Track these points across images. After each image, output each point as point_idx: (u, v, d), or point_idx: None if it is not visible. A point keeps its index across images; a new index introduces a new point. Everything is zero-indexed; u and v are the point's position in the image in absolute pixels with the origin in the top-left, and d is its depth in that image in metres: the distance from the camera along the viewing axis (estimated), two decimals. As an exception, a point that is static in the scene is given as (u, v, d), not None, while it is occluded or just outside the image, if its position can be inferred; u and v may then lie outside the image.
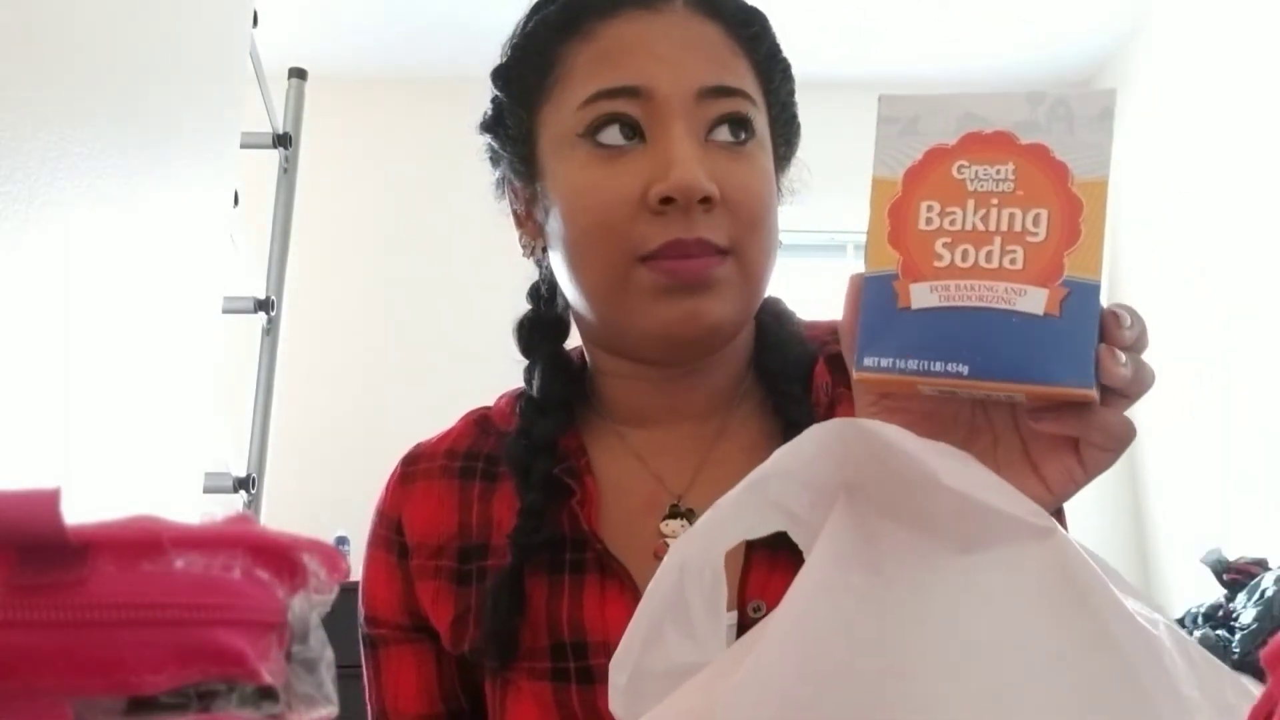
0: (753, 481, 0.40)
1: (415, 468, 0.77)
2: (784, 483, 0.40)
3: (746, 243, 0.67)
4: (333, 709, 0.28)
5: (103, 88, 1.20)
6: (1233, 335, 3.07)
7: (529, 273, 0.80)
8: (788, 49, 0.75)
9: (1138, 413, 0.48)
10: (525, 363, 0.78)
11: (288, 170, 2.23)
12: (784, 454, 0.40)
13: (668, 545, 0.70)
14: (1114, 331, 0.45)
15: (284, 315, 2.15)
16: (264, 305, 2.09)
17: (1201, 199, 3.23)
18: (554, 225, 0.69)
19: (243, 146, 1.82)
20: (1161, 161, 3.45)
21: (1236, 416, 3.05)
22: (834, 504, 0.38)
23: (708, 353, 0.71)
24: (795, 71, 0.75)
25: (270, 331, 2.12)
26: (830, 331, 0.75)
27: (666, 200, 0.64)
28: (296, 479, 2.76)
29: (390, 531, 0.75)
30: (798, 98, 0.76)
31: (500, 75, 0.74)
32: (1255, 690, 0.35)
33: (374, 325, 3.48)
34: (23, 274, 1.03)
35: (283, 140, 2.20)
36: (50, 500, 0.24)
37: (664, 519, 0.71)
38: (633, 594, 0.68)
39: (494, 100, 0.75)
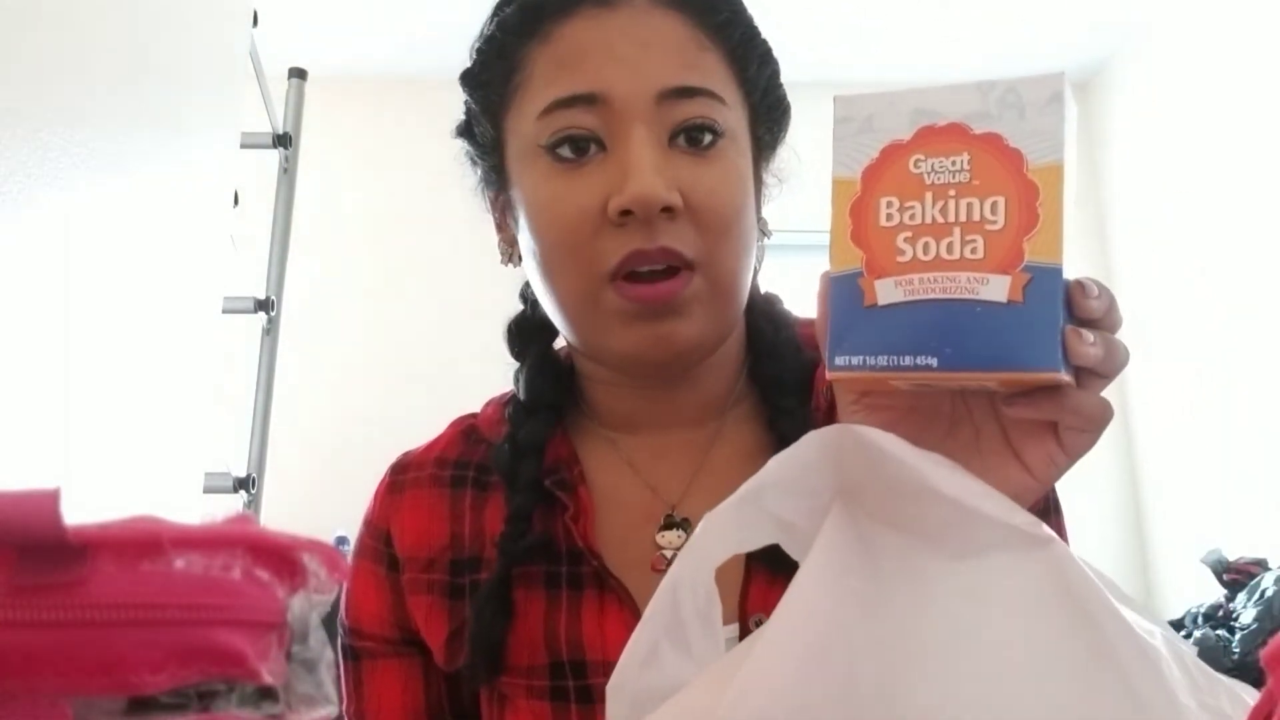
0: (746, 493, 0.40)
1: (404, 476, 0.75)
2: (779, 492, 0.39)
3: (715, 252, 0.64)
4: (333, 709, 0.28)
5: (102, 87, 1.20)
6: (1233, 335, 3.07)
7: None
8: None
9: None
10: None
11: (288, 170, 2.23)
12: (779, 462, 0.40)
13: (664, 558, 0.68)
14: (1080, 302, 0.45)
15: (284, 315, 2.15)
16: (264, 305, 2.09)
17: (1201, 199, 3.23)
18: (524, 237, 0.68)
19: (243, 146, 1.81)
20: (1161, 161, 3.44)
21: (1236, 416, 3.05)
22: (829, 511, 0.37)
23: (685, 370, 0.70)
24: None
25: (270, 331, 2.12)
26: None
27: (626, 212, 0.62)
28: (296, 479, 2.77)
29: (379, 542, 0.74)
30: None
31: (466, 81, 0.72)
32: (1250, 699, 0.35)
33: (374, 325, 3.49)
34: (22, 274, 1.03)
35: (283, 140, 2.20)
36: (50, 500, 0.24)
37: (660, 530, 0.70)
38: (631, 610, 0.66)
39: (465, 106, 0.73)
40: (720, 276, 0.65)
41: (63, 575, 0.24)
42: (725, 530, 0.40)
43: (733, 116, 0.67)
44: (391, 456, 0.78)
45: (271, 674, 0.26)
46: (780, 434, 0.69)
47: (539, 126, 0.65)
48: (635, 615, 0.66)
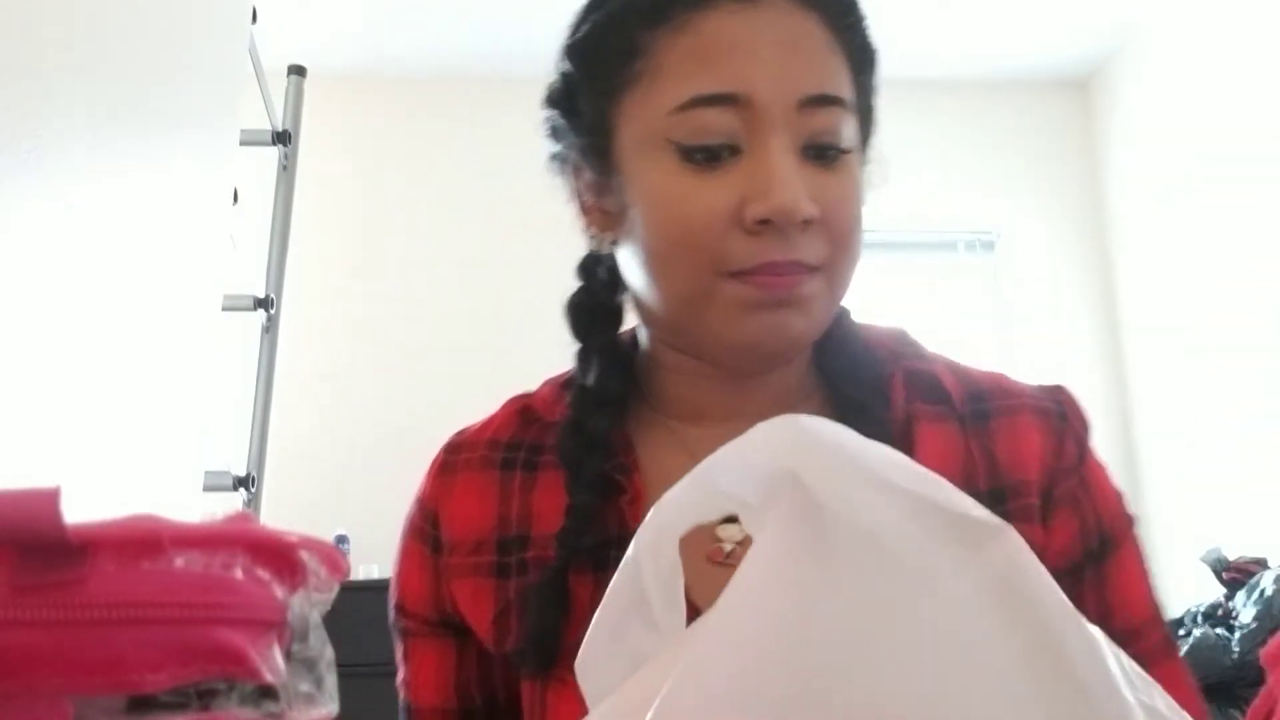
0: (698, 474, 0.40)
1: (457, 457, 0.75)
2: (729, 473, 0.39)
3: (837, 259, 0.65)
4: (333, 708, 0.28)
5: (103, 87, 1.20)
6: (1233, 334, 3.07)
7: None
8: None
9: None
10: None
11: (287, 168, 2.23)
12: (729, 449, 0.40)
13: (723, 550, 0.67)
14: None
15: (284, 313, 2.15)
16: (263, 303, 2.09)
17: (1202, 197, 3.23)
18: (635, 229, 0.66)
19: (242, 144, 1.81)
20: (1161, 160, 3.44)
21: (1237, 416, 3.05)
22: (780, 496, 0.37)
23: (785, 362, 0.70)
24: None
25: (270, 330, 2.11)
26: (898, 341, 0.74)
27: (764, 221, 0.61)
28: (296, 479, 2.77)
29: (427, 523, 0.74)
30: None
31: (576, 54, 0.69)
32: (1177, 707, 0.35)
33: (373, 324, 3.48)
34: (22, 273, 1.03)
35: (282, 138, 2.20)
36: (50, 500, 0.24)
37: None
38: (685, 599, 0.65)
39: (565, 77, 0.70)
40: (837, 281, 0.66)
41: (63, 575, 0.24)
42: (681, 507, 0.40)
43: (854, 124, 0.67)
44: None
45: (271, 673, 0.26)
46: (853, 427, 0.68)
47: (672, 121, 0.63)
48: (691, 605, 0.65)
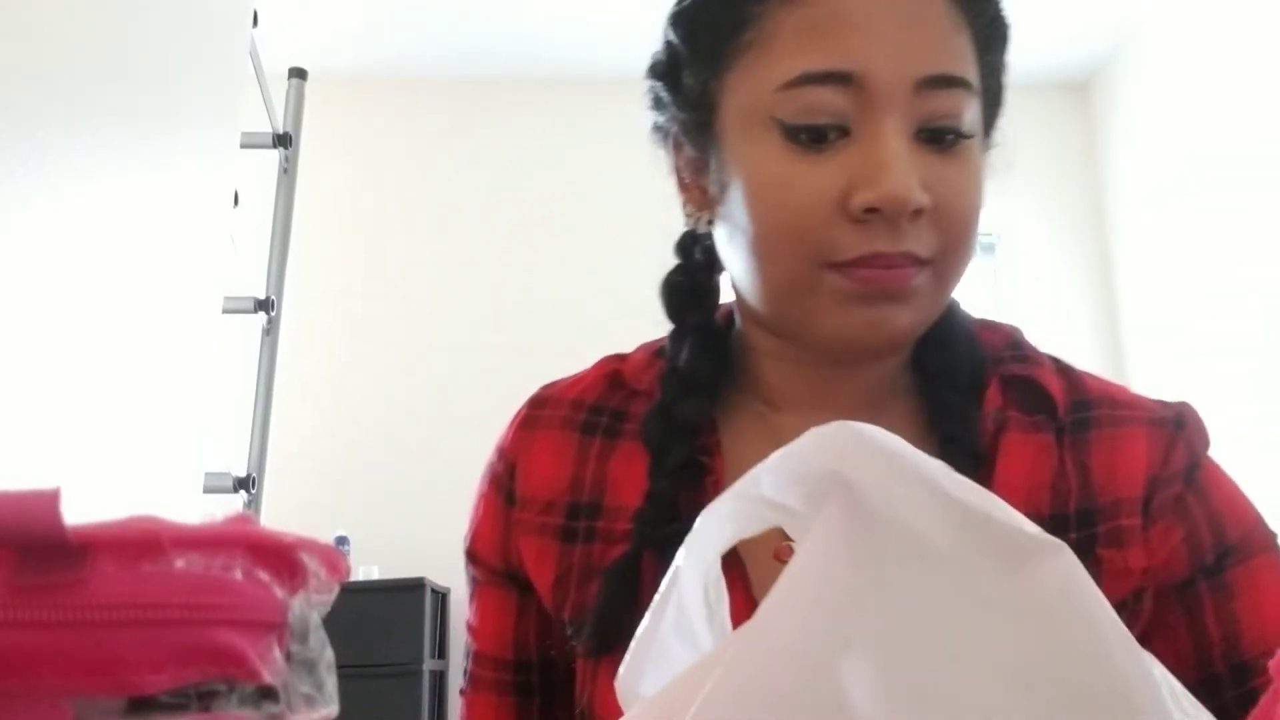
0: (743, 485, 0.39)
1: (540, 412, 0.73)
2: (778, 477, 0.39)
3: (950, 252, 0.61)
4: (333, 709, 0.28)
5: (103, 87, 1.20)
6: (1231, 337, 3.07)
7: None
8: None
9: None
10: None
11: (288, 170, 2.23)
12: (777, 456, 0.40)
13: (790, 549, 0.67)
14: None
15: (284, 315, 2.15)
16: (264, 305, 2.09)
17: (1202, 196, 3.23)
18: (734, 212, 0.63)
19: (243, 146, 1.82)
20: (1162, 159, 3.45)
21: (1237, 415, 3.05)
22: (828, 501, 0.37)
23: (886, 357, 0.67)
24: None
25: (270, 331, 2.12)
26: (1007, 342, 0.70)
27: (872, 209, 0.58)
28: (296, 479, 2.77)
29: (504, 473, 0.73)
30: None
31: (682, 23, 0.67)
32: None
33: (373, 325, 3.49)
34: (22, 274, 1.03)
35: (283, 140, 2.20)
36: (50, 500, 0.24)
37: None
38: (742, 592, 0.63)
39: (669, 47, 0.68)
40: (948, 274, 0.63)
41: (63, 575, 0.24)
42: (726, 517, 0.40)
43: (977, 107, 0.63)
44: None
45: (271, 674, 0.26)
46: (944, 434, 0.65)
47: (780, 98, 0.60)
48: (748, 598, 0.63)
